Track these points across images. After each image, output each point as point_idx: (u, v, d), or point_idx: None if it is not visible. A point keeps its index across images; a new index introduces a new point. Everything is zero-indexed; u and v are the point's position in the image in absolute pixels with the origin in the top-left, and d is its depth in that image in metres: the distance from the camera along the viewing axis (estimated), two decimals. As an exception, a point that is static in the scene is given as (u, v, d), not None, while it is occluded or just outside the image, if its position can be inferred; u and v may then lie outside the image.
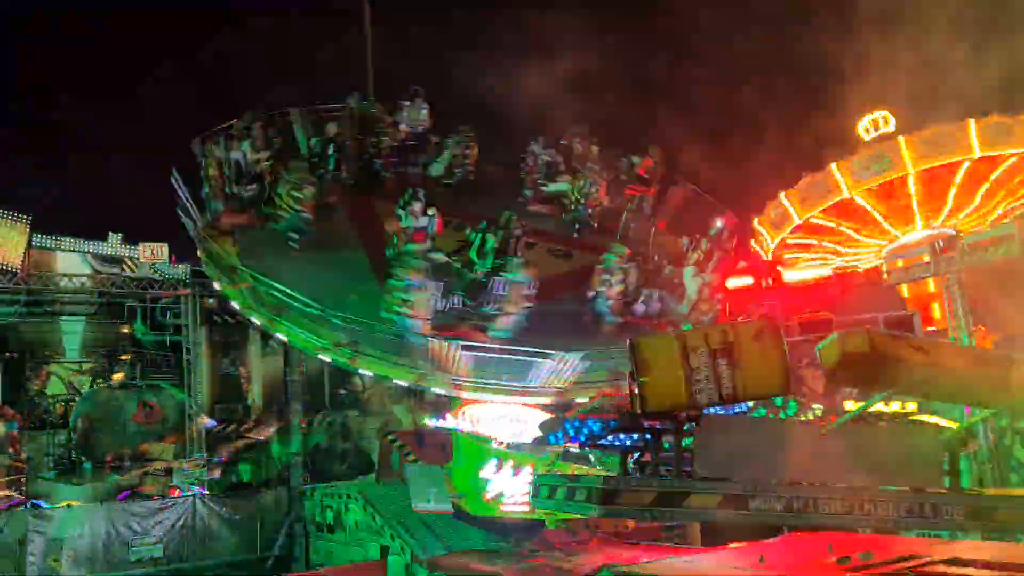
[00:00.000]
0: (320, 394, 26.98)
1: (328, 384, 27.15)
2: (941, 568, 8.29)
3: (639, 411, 8.81)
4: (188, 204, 18.09)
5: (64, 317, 24.72)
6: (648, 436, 9.37)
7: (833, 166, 23.82)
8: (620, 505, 8.68)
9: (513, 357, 16.64)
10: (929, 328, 22.84)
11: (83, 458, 23.21)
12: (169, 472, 22.86)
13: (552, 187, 20.85)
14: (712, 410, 10.16)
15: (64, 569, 19.44)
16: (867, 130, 26.87)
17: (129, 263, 23.51)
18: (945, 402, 10.99)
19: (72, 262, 23.55)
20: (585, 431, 9.77)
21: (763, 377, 8.51)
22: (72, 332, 24.84)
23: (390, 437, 21.82)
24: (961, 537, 10.09)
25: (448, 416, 18.55)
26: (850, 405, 11.35)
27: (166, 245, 23.14)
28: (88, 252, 23.55)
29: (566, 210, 20.91)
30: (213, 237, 18.21)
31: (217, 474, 24.04)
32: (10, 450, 22.27)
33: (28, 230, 21.46)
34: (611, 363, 16.38)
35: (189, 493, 21.74)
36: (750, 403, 11.59)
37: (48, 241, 23.07)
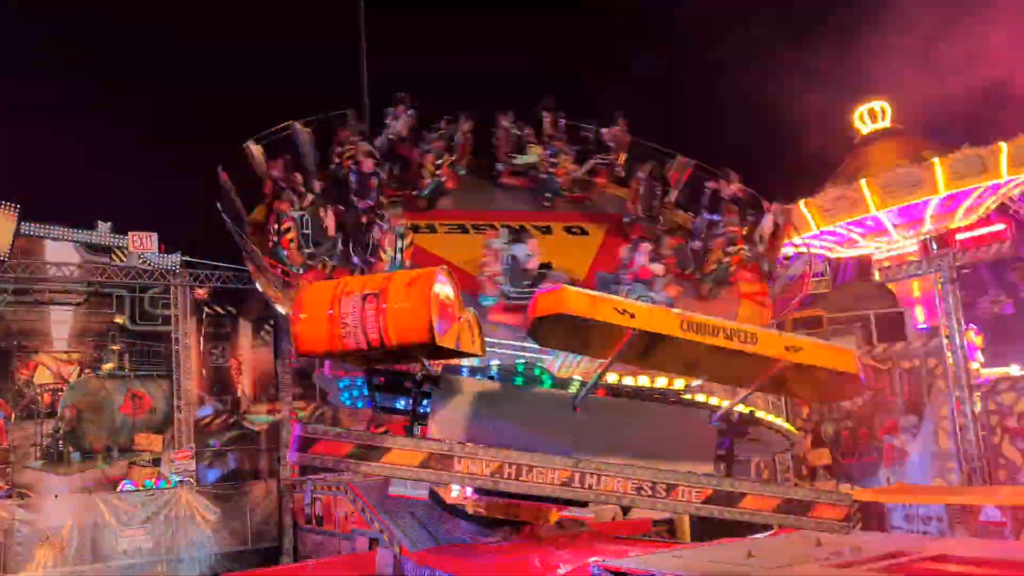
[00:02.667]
0: (311, 385, 26.87)
1: (319, 376, 27.08)
2: (930, 564, 8.26)
3: (296, 353, 8.67)
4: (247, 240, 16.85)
5: (53, 306, 24.59)
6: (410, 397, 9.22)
7: (863, 183, 23.86)
8: (315, 453, 8.55)
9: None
10: (920, 326, 22.91)
11: (71, 448, 23.10)
12: (157, 462, 22.80)
13: (521, 159, 20.50)
14: (465, 372, 9.92)
15: (50, 559, 19.36)
16: (863, 119, 26.93)
17: (118, 252, 23.38)
18: (685, 376, 10.37)
19: (61, 251, 23.41)
20: (356, 392, 9.61)
21: (407, 325, 8.02)
22: (60, 321, 24.70)
23: (381, 429, 21.75)
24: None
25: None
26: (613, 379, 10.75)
27: (155, 235, 23.00)
28: (77, 241, 23.39)
29: (535, 181, 20.76)
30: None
31: (206, 465, 23.98)
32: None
33: (16, 218, 21.30)
34: None
35: (178, 484, 21.66)
36: (494, 370, 11.18)
37: (37, 229, 22.90)
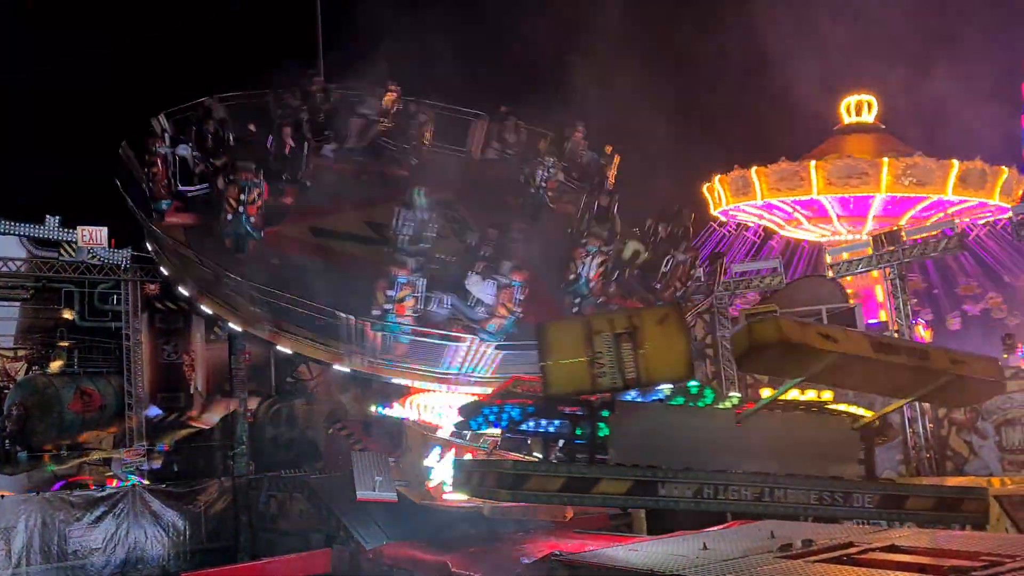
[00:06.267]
0: (266, 383, 26.58)
1: (274, 373, 26.77)
2: (880, 555, 8.43)
3: (545, 394, 8.94)
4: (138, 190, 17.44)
5: (-2, 302, 24.02)
6: (566, 422, 9.44)
7: (812, 164, 24.21)
8: (528, 491, 8.72)
9: (427, 340, 16.83)
10: (871, 321, 23.35)
11: (18, 448, 22.54)
12: (108, 462, 22.36)
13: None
14: (629, 396, 10.29)
15: (-3, 562, 18.93)
16: (848, 111, 27.32)
17: (67, 247, 22.87)
18: (856, 391, 11.18)
19: (7, 245, 22.86)
20: (505, 417, 9.81)
21: (666, 362, 8.61)
22: (7, 317, 24.13)
23: (338, 426, 21.61)
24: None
25: (395, 405, 18.44)
26: (766, 393, 11.72)
27: (105, 229, 22.50)
28: (24, 235, 22.87)
29: (524, 196, 20.93)
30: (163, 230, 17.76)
31: (158, 464, 23.57)
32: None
33: (-41, 212, 20.75)
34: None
35: (129, 483, 21.28)
36: (666, 391, 11.78)
37: (-18, 223, 22.36)
